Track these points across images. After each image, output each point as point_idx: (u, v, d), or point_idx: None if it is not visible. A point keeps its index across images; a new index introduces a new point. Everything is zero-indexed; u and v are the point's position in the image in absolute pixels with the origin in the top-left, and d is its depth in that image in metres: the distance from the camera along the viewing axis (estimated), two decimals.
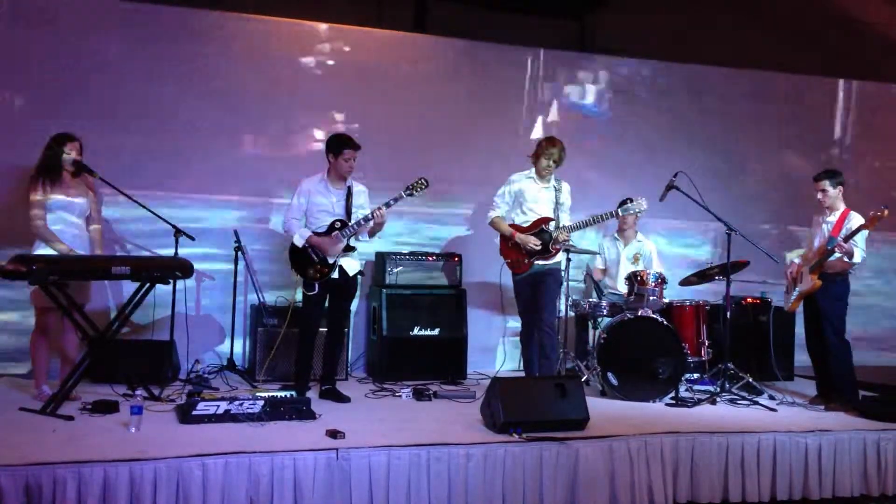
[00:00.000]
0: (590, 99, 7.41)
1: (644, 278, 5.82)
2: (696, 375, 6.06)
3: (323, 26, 6.72)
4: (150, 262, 5.25)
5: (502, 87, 7.15)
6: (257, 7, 6.58)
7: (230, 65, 6.44)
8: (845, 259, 5.32)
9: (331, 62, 6.72)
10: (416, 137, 6.90)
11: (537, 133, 5.69)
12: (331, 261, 5.23)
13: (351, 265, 5.35)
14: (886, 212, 5.20)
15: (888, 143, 8.22)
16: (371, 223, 5.22)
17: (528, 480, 4.12)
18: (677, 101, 7.61)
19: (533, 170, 5.61)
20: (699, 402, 5.42)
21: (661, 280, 5.89)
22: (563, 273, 5.82)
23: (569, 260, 6.02)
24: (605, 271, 6.60)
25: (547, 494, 4.13)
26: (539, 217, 5.55)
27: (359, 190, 5.41)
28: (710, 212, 5.69)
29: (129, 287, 5.01)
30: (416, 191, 5.27)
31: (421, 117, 6.93)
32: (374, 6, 7.20)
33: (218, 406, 4.34)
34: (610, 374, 5.54)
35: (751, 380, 5.80)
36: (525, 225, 5.58)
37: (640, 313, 5.67)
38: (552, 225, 5.50)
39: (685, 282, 6.37)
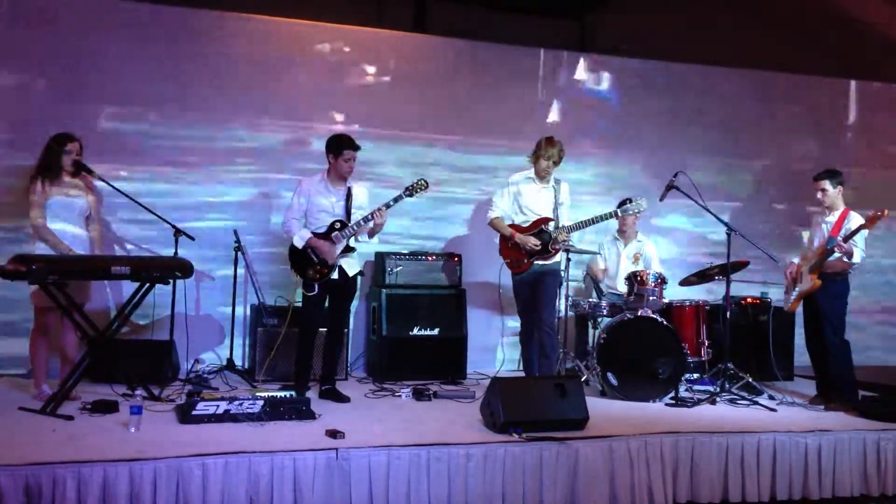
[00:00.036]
0: (590, 99, 7.41)
1: (644, 278, 5.82)
2: (695, 375, 6.07)
3: (323, 26, 6.72)
4: (150, 262, 5.24)
5: (502, 88, 7.14)
6: (257, 7, 6.58)
7: (230, 65, 6.43)
8: (845, 259, 5.32)
9: (331, 62, 6.71)
10: (415, 138, 6.90)
11: (539, 134, 5.68)
12: (330, 262, 5.23)
13: (351, 265, 5.35)
14: (887, 212, 5.20)
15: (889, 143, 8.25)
16: (371, 224, 5.22)
17: (528, 480, 4.12)
18: (677, 100, 7.62)
19: (532, 170, 5.62)
20: (699, 402, 5.42)
21: (661, 280, 5.89)
22: (562, 273, 5.83)
23: (568, 260, 6.02)
24: (605, 271, 6.60)
25: (547, 494, 4.13)
26: (538, 217, 5.56)
27: (359, 190, 5.41)
28: (709, 212, 5.70)
29: (128, 287, 5.01)
30: (416, 191, 5.27)
31: (421, 117, 6.93)
32: (374, 6, 7.20)
33: (218, 406, 4.34)
34: (610, 374, 5.54)
35: (751, 380, 5.80)
36: (525, 225, 5.58)
37: (639, 313, 5.67)
38: (552, 225, 5.50)
39: (685, 282, 6.37)
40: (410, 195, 5.27)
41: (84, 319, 4.75)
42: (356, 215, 5.28)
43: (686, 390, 5.67)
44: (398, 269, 6.33)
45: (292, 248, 5.32)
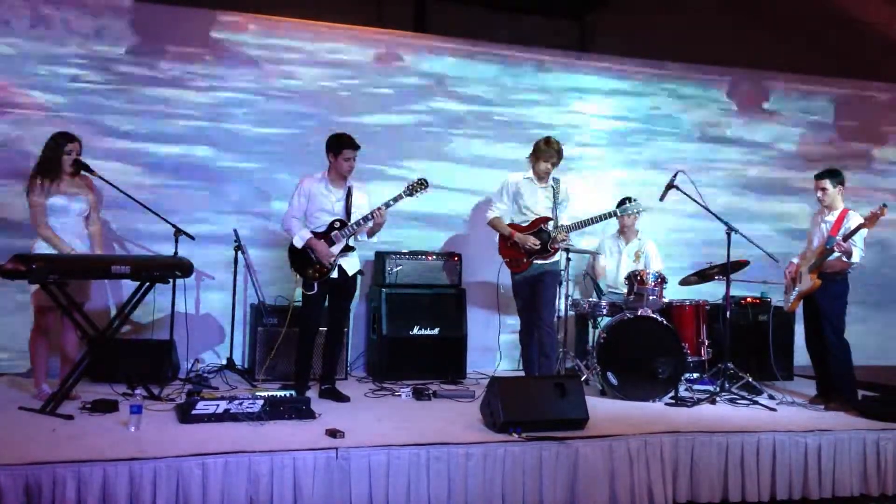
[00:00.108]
0: (590, 99, 7.41)
1: (644, 278, 5.82)
2: (695, 375, 6.06)
3: (323, 26, 6.72)
4: (150, 261, 5.24)
5: (502, 87, 7.15)
6: (257, 7, 6.58)
7: (230, 64, 6.44)
8: (844, 259, 5.32)
9: (331, 62, 6.71)
10: (416, 137, 6.90)
11: (542, 135, 5.69)
12: (327, 263, 5.23)
13: (350, 265, 5.35)
14: (886, 210, 5.20)
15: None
16: (370, 223, 5.23)
17: (527, 480, 4.12)
18: (678, 100, 7.62)
19: (531, 170, 5.62)
20: (699, 401, 5.42)
21: (661, 280, 5.89)
22: (562, 272, 5.83)
23: (568, 259, 6.02)
24: (604, 268, 6.60)
25: (547, 494, 4.14)
26: (538, 217, 5.56)
27: (359, 190, 5.41)
28: (710, 211, 5.70)
29: (128, 286, 5.01)
30: (416, 191, 5.27)
31: (421, 117, 6.93)
32: (374, 6, 7.20)
33: (217, 405, 4.34)
34: (610, 374, 5.54)
35: (750, 379, 5.80)
36: (524, 225, 5.58)
37: (639, 313, 5.67)
38: (551, 224, 5.50)
39: (685, 282, 6.37)
40: (410, 194, 5.27)
41: (84, 319, 4.74)
42: (356, 215, 5.28)
43: (686, 390, 5.67)
44: (398, 268, 6.33)
45: (292, 248, 5.32)
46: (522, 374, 5.92)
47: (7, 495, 3.37)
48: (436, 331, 6.28)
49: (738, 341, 6.25)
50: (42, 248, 4.79)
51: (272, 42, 6.57)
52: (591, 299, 6.33)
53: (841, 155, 7.92)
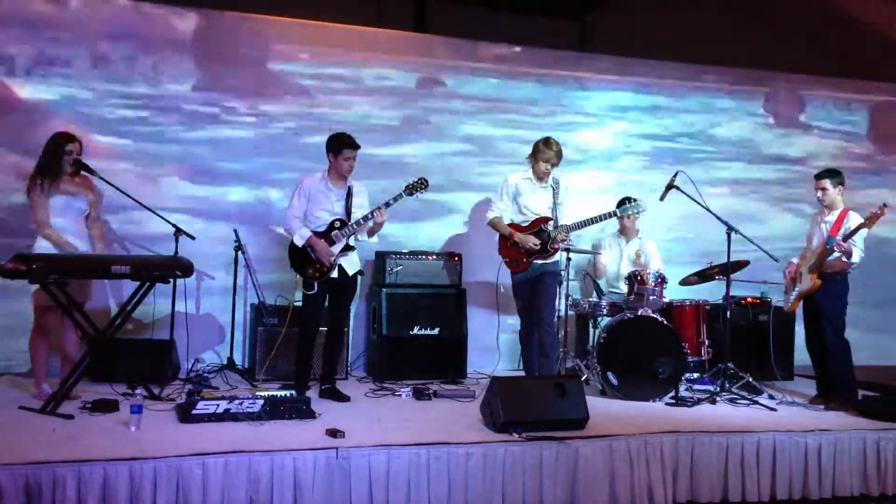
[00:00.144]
0: (590, 99, 7.41)
1: (644, 278, 5.82)
2: (695, 375, 6.06)
3: (323, 26, 6.72)
4: (150, 261, 5.24)
5: (502, 87, 7.15)
6: (257, 7, 6.58)
7: (230, 64, 6.44)
8: (844, 259, 5.33)
9: (330, 62, 6.71)
10: (415, 137, 6.90)
11: (541, 135, 5.69)
12: (327, 262, 5.23)
13: (351, 265, 5.35)
14: (886, 210, 5.21)
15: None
16: (370, 223, 5.23)
17: (527, 480, 4.12)
18: (677, 100, 7.62)
19: (530, 170, 5.62)
20: (699, 401, 5.42)
21: (661, 279, 5.89)
22: (562, 272, 5.83)
23: (569, 259, 6.02)
24: (605, 269, 6.60)
25: (547, 494, 4.13)
26: (537, 217, 5.56)
27: (359, 189, 5.41)
28: (710, 211, 5.70)
29: (129, 286, 5.01)
30: (416, 191, 5.28)
31: (420, 117, 6.94)
32: (374, 6, 7.20)
33: (218, 405, 4.34)
34: (610, 374, 5.54)
35: (751, 379, 5.80)
36: (524, 225, 5.58)
37: (639, 313, 5.67)
38: (551, 224, 5.50)
39: (685, 281, 6.37)
40: (410, 194, 5.28)
41: (84, 318, 4.75)
42: (356, 214, 5.28)
43: (686, 390, 5.67)
44: (398, 268, 6.33)
45: (292, 247, 5.32)
46: (522, 374, 5.92)
47: (7, 495, 3.37)
48: (436, 331, 6.28)
49: (738, 341, 6.25)
50: (42, 247, 4.79)
51: (272, 42, 6.56)
52: (591, 299, 6.33)
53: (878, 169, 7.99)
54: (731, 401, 5.52)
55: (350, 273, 5.36)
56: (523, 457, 4.13)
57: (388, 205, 5.21)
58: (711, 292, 6.65)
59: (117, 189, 5.31)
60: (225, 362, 6.06)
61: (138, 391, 4.93)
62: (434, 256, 6.48)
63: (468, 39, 7.11)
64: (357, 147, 5.27)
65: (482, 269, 6.50)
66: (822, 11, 8.09)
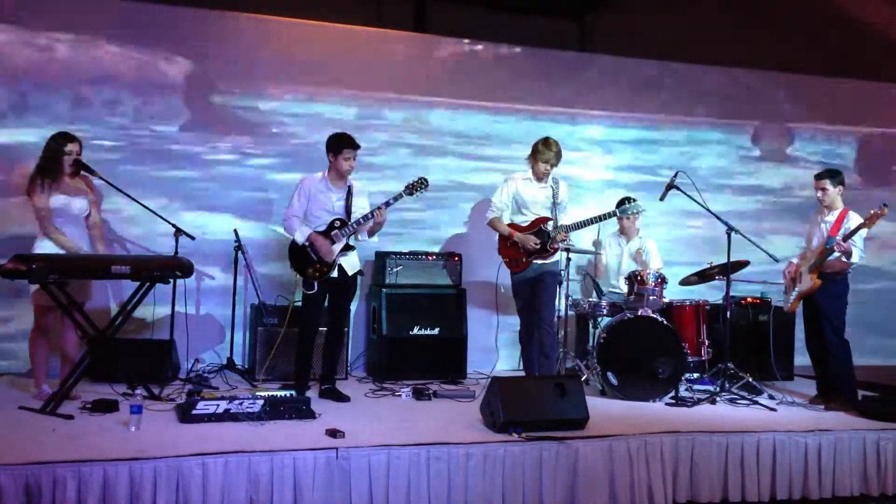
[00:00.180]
0: (589, 99, 7.41)
1: (644, 278, 5.82)
2: (695, 375, 6.06)
3: (323, 26, 6.72)
4: (150, 261, 5.24)
5: (502, 88, 7.15)
6: (257, 7, 6.58)
7: (230, 64, 6.44)
8: (843, 259, 5.33)
9: (331, 62, 6.71)
10: (415, 137, 6.90)
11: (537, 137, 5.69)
12: (329, 260, 5.23)
13: (350, 264, 5.35)
14: (886, 210, 5.20)
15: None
16: (371, 222, 5.23)
17: (527, 480, 4.12)
18: (678, 100, 7.62)
19: (530, 170, 5.62)
20: (699, 401, 5.42)
21: (661, 280, 5.89)
22: (562, 272, 5.83)
23: (569, 259, 6.02)
24: (606, 266, 6.60)
25: (546, 494, 4.13)
26: (537, 217, 5.56)
27: (359, 189, 5.41)
28: (710, 211, 5.70)
29: (129, 286, 5.01)
30: (416, 190, 5.28)
31: (420, 117, 6.94)
32: (374, 6, 7.20)
33: (218, 405, 4.34)
34: (610, 374, 5.54)
35: (751, 379, 5.80)
36: (524, 225, 5.58)
37: (639, 313, 5.67)
38: (550, 224, 5.50)
39: (685, 282, 6.37)
40: (410, 193, 5.27)
41: (84, 319, 4.74)
42: (356, 214, 5.28)
43: (686, 390, 5.66)
44: (398, 268, 6.33)
45: (292, 247, 5.32)
46: (522, 374, 5.92)
47: (7, 495, 3.37)
48: (436, 331, 6.28)
49: (738, 341, 6.25)
50: (42, 247, 4.79)
51: (272, 42, 6.56)
52: (591, 299, 6.33)
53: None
54: (731, 401, 5.52)
55: (350, 273, 5.35)
56: (523, 457, 4.13)
57: (388, 204, 5.21)
58: (712, 293, 6.66)
59: (117, 189, 5.31)
60: (225, 362, 6.06)
61: (138, 391, 4.93)
62: (434, 256, 6.48)
63: (468, 39, 7.11)
64: (357, 147, 5.27)
65: (482, 269, 6.51)
66: (822, 11, 8.09)
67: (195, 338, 5.99)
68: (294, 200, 5.33)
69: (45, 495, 3.43)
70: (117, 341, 4.96)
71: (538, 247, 5.46)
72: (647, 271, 5.90)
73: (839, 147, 8.10)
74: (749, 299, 6.79)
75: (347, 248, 5.29)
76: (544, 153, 5.50)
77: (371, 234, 5.39)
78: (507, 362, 6.69)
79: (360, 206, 5.36)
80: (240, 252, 6.05)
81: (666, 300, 5.96)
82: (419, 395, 5.42)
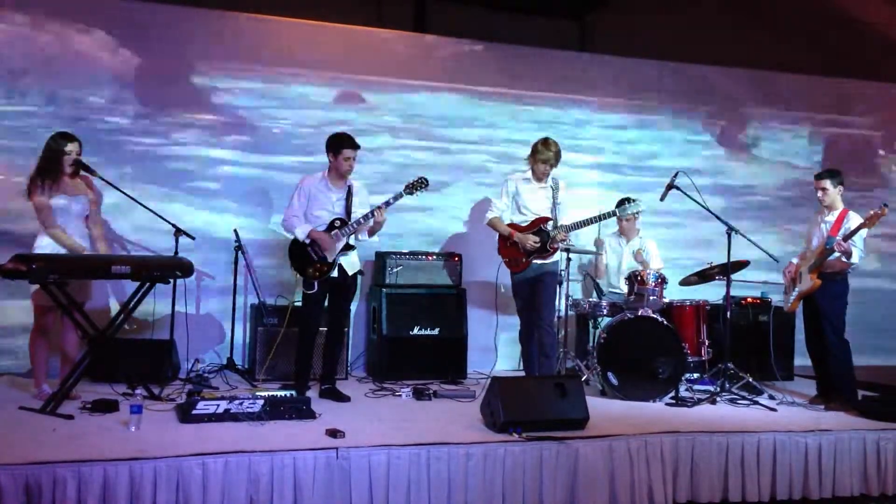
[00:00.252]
0: (590, 99, 7.40)
1: (644, 278, 5.82)
2: (696, 375, 6.06)
3: (323, 26, 6.72)
4: (150, 261, 5.25)
5: (502, 88, 7.15)
6: (257, 7, 6.58)
7: (230, 64, 6.44)
8: (843, 259, 5.33)
9: (331, 62, 6.71)
10: (415, 137, 6.90)
11: (537, 137, 5.70)
12: (330, 259, 5.23)
13: (351, 264, 5.35)
14: (886, 210, 5.21)
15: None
16: (371, 222, 5.23)
17: (527, 480, 4.12)
18: (677, 100, 7.63)
19: (529, 171, 5.62)
20: (699, 401, 5.42)
21: (661, 280, 5.89)
22: (562, 272, 5.82)
23: (569, 259, 6.01)
24: (606, 267, 6.60)
25: (547, 494, 4.13)
26: (537, 217, 5.56)
27: (359, 189, 5.41)
28: (710, 211, 5.70)
29: (129, 285, 5.01)
30: (416, 190, 5.28)
31: (420, 117, 6.94)
32: (374, 6, 7.20)
33: (218, 405, 4.34)
34: (610, 374, 5.53)
35: (751, 379, 5.80)
36: (523, 225, 5.58)
37: (640, 313, 5.67)
38: (550, 224, 5.50)
39: (685, 282, 6.37)
40: (410, 193, 5.28)
41: (84, 318, 4.74)
42: (356, 214, 5.28)
43: (686, 390, 5.66)
44: (398, 268, 6.33)
45: (292, 247, 5.32)
46: (522, 374, 5.92)
47: (7, 495, 3.37)
48: (436, 331, 6.28)
49: (738, 341, 6.25)
50: (42, 247, 4.79)
51: (272, 42, 6.56)
52: (591, 299, 6.33)
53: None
54: (732, 401, 5.52)
55: (350, 273, 5.36)
56: (523, 457, 4.13)
57: (388, 204, 5.22)
58: (711, 293, 6.66)
59: (117, 189, 5.31)
60: (225, 362, 6.06)
61: (138, 391, 4.93)
62: (434, 256, 6.48)
63: (468, 39, 7.11)
64: (357, 147, 5.27)
65: (482, 269, 6.51)
66: (822, 11, 8.09)
67: (195, 338, 5.99)
68: (294, 200, 5.33)
69: (45, 495, 3.43)
70: (117, 341, 4.96)
71: (538, 245, 5.46)
72: (648, 271, 5.90)
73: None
74: (749, 299, 6.79)
75: (348, 247, 5.29)
76: (543, 153, 5.50)
77: (371, 233, 5.39)
78: (507, 362, 6.70)
79: (360, 206, 5.35)
80: (240, 252, 6.04)
81: (666, 300, 5.96)
82: (419, 395, 5.42)
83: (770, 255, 5.85)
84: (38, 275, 4.39)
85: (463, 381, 6.11)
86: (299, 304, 5.67)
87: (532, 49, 7.27)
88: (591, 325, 6.18)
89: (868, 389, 5.86)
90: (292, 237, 5.32)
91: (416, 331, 6.24)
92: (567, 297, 6.10)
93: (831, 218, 5.52)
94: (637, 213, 5.90)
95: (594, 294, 6.62)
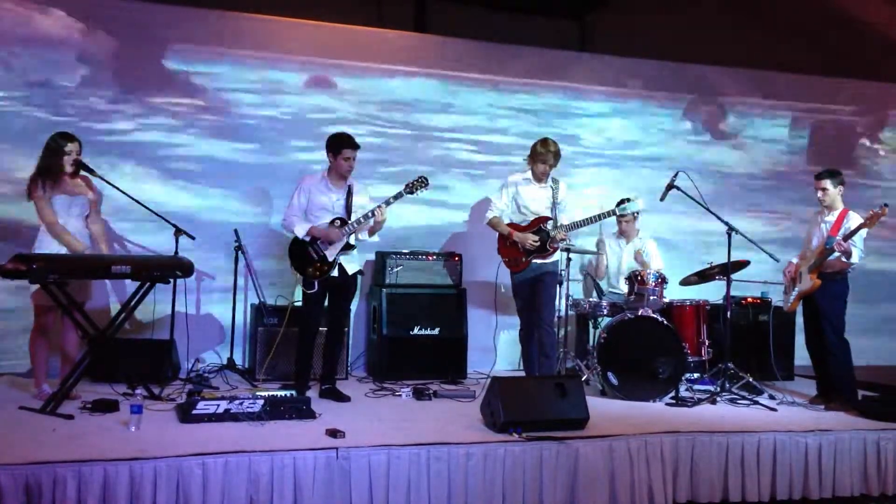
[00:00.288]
0: (589, 98, 7.41)
1: (644, 278, 5.82)
2: (696, 375, 6.06)
3: (323, 26, 6.72)
4: (151, 261, 5.25)
5: (502, 88, 7.15)
6: (257, 7, 6.58)
7: (230, 64, 6.44)
8: (843, 259, 5.33)
9: (331, 62, 6.71)
10: (415, 137, 6.91)
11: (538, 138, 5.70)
12: (330, 258, 5.23)
13: (351, 264, 5.35)
14: (886, 210, 5.21)
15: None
16: (371, 221, 5.23)
17: (527, 480, 4.12)
18: (677, 100, 7.62)
19: (529, 171, 5.62)
20: (699, 401, 5.42)
21: (662, 280, 5.89)
22: (562, 272, 5.82)
23: (569, 259, 6.01)
24: (606, 268, 6.60)
25: (547, 494, 4.13)
26: (537, 217, 5.56)
27: (359, 189, 5.41)
28: (710, 211, 5.70)
29: (130, 285, 5.01)
30: (416, 189, 5.28)
31: (420, 117, 6.94)
32: (374, 6, 7.20)
33: (218, 405, 4.34)
34: (610, 374, 5.53)
35: (751, 379, 5.80)
36: (523, 225, 5.58)
37: (640, 313, 5.67)
38: (550, 224, 5.50)
39: (685, 282, 6.37)
40: (411, 192, 5.28)
41: (84, 318, 4.74)
42: (356, 213, 5.28)
43: (686, 390, 5.66)
44: (398, 268, 6.33)
45: (292, 247, 5.32)
46: (522, 374, 5.92)
47: (7, 495, 3.37)
48: (436, 331, 6.28)
49: (738, 341, 6.25)
50: (43, 247, 4.79)
51: (272, 42, 6.56)
52: (591, 299, 6.33)
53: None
54: (732, 401, 5.52)
55: (350, 273, 5.35)
56: (523, 457, 4.13)
57: (388, 203, 5.22)
58: (712, 292, 6.66)
59: (117, 189, 5.31)
60: (225, 362, 6.06)
61: (138, 391, 4.92)
62: (434, 256, 6.48)
63: (468, 39, 7.11)
64: (356, 147, 5.27)
65: (482, 269, 6.51)
66: (822, 11, 8.09)
67: (195, 338, 5.99)
68: (294, 199, 5.33)
69: (45, 495, 3.43)
70: (117, 341, 4.96)
71: (537, 245, 5.46)
72: (648, 271, 5.90)
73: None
74: (749, 299, 6.79)
75: (348, 247, 5.29)
76: (543, 153, 5.50)
77: (371, 233, 5.39)
78: (507, 362, 6.70)
79: (360, 206, 5.35)
80: (240, 252, 6.04)
81: (666, 300, 5.95)
82: (419, 395, 5.42)
83: (770, 256, 5.84)
84: (38, 275, 4.39)
85: (463, 381, 6.11)
86: (299, 303, 5.66)
87: (532, 49, 7.27)
88: (591, 325, 6.18)
89: (868, 389, 5.86)
90: (292, 236, 5.32)
91: (416, 331, 6.24)
92: (567, 297, 6.10)
93: (831, 218, 5.52)
94: (636, 212, 5.90)
95: (594, 294, 6.61)
